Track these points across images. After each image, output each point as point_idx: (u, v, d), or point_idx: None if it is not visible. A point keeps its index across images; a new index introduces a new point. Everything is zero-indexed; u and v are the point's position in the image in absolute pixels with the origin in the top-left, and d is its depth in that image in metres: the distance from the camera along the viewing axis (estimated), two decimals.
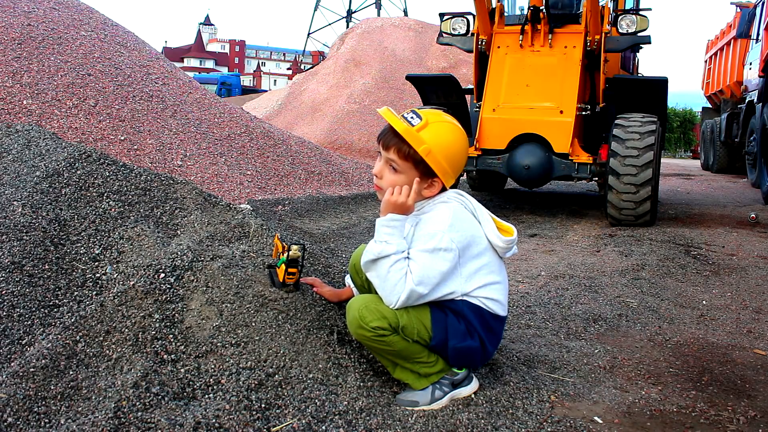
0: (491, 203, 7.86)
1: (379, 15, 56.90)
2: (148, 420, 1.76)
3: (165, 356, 2.01)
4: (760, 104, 9.00)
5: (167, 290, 2.20)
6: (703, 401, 2.28)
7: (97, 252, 2.51)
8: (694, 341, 2.93)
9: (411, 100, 15.26)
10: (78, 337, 2.05)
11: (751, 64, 10.95)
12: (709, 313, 3.38)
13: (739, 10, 13.53)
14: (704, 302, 3.59)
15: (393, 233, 2.00)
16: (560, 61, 6.65)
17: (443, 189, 2.14)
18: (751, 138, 10.26)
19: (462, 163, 2.16)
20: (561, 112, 6.31)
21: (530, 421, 2.04)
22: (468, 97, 7.66)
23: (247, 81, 74.10)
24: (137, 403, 1.82)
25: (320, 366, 2.12)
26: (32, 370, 1.92)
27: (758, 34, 10.14)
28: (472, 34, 7.22)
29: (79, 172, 2.85)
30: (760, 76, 8.96)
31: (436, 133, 2.05)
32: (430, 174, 2.08)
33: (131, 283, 2.22)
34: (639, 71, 9.23)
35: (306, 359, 2.12)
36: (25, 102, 6.16)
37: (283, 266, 2.27)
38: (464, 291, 2.06)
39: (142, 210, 2.79)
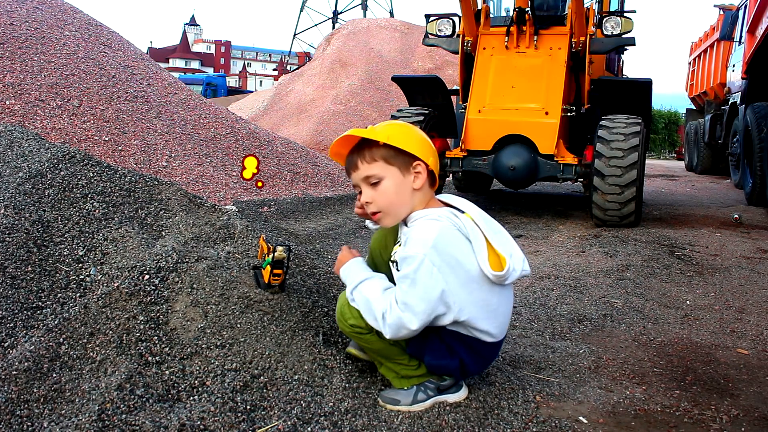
0: (477, 204, 7.86)
1: (365, 16, 56.90)
2: (133, 422, 1.75)
3: (149, 358, 2.00)
4: (743, 106, 9.09)
5: (152, 292, 2.19)
6: (687, 401, 2.30)
7: (80, 253, 2.49)
8: (678, 341, 2.95)
9: (397, 101, 15.28)
10: (61, 339, 2.03)
11: (734, 66, 11.05)
12: (692, 313, 3.40)
13: (722, 12, 13.67)
14: (688, 302, 3.62)
15: (355, 272, 2.04)
16: (545, 62, 6.67)
17: (431, 178, 2.04)
18: (734, 139, 10.35)
19: (430, 145, 2.05)
20: (546, 113, 6.34)
21: (516, 421, 2.05)
22: (454, 98, 7.67)
23: (232, 82, 73.94)
24: (121, 406, 1.80)
25: (306, 367, 2.11)
26: (15, 372, 1.90)
27: (741, 37, 10.22)
28: (458, 36, 7.24)
29: (62, 173, 2.82)
30: (743, 78, 9.04)
31: (385, 126, 2.01)
32: (408, 162, 1.98)
33: (115, 284, 2.21)
34: (624, 73, 9.29)
35: (291, 360, 2.11)
36: (7, 102, 6.11)
37: (269, 267, 2.26)
38: (457, 318, 1.96)
39: (126, 211, 2.77)
